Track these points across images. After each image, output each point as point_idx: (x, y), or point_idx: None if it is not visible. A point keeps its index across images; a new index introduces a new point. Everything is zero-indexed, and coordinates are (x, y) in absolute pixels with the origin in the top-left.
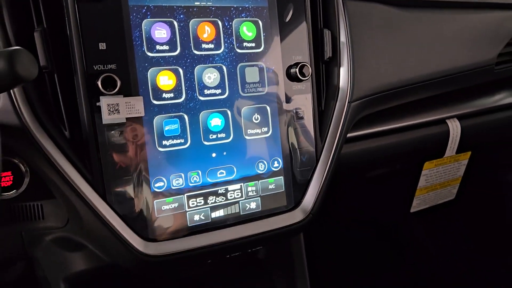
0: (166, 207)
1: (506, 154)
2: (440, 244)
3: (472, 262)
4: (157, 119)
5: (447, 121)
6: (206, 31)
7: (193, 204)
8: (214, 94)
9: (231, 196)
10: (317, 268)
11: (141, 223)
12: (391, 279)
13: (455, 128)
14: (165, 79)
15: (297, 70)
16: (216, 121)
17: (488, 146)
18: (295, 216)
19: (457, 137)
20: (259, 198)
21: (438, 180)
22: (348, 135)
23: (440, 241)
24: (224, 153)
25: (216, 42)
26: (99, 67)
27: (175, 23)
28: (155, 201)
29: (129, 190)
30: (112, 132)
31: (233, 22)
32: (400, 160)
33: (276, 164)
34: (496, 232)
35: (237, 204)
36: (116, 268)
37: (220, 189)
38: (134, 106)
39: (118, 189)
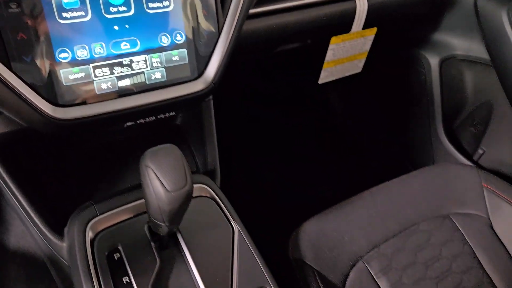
0: (73, 76)
1: (410, 30)
2: (347, 109)
3: (377, 123)
4: None
5: None
6: None
7: (100, 74)
8: None
9: (136, 66)
10: (226, 138)
11: (49, 90)
12: (300, 149)
13: (362, 5)
14: None
15: None
16: None
17: (394, 22)
18: (198, 86)
19: (363, 13)
20: (163, 69)
21: (345, 54)
22: (255, 10)
23: (348, 107)
24: (127, 26)
25: None
26: None
27: None
28: (61, 71)
29: (34, 60)
30: (10, 4)
31: None
32: (308, 35)
33: (179, 37)
34: (398, 100)
35: (143, 74)
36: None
37: (125, 60)
38: None
39: (22, 59)
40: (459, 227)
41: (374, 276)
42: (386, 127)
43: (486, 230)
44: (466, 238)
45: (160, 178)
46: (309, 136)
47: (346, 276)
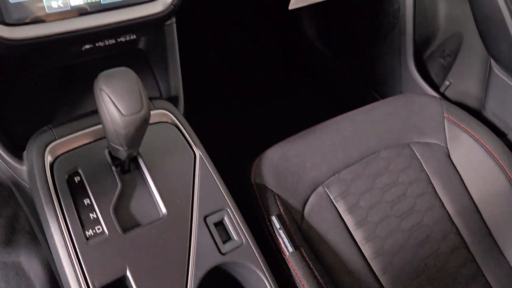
0: None
1: None
2: (317, 35)
3: (348, 51)
4: None
5: None
6: None
7: None
8: None
9: None
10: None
11: None
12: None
13: None
14: None
15: None
16: None
17: None
18: (157, 7)
19: None
20: None
21: None
22: None
23: (318, 33)
24: None
25: None
26: None
27: None
28: None
29: None
30: None
31: None
32: None
33: None
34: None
35: None
36: None
37: None
38: None
39: None
40: (417, 155)
41: (333, 200)
42: (356, 55)
43: (443, 158)
44: (423, 165)
45: (114, 101)
46: (277, 62)
47: (306, 200)
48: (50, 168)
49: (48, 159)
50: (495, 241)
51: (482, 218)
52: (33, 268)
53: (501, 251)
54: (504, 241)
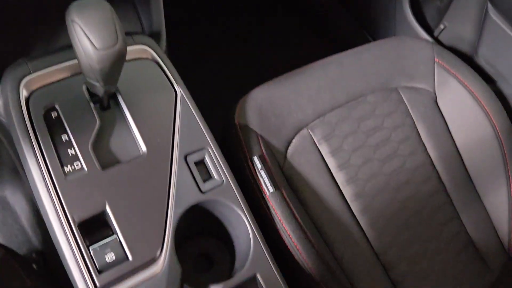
0: None
1: None
2: None
3: None
4: None
5: None
6: None
7: None
8: None
9: None
10: None
11: None
12: None
13: None
14: None
15: None
16: None
17: None
18: None
19: None
20: None
21: None
22: None
23: None
24: None
25: None
26: None
27: None
28: None
29: None
30: None
31: None
32: None
33: None
34: None
35: None
36: None
37: None
38: None
39: None
40: (404, 100)
41: (316, 142)
42: None
43: (430, 103)
44: (410, 110)
45: (87, 34)
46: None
47: (289, 142)
48: (26, 103)
49: (24, 93)
50: (474, 186)
51: (464, 164)
52: (18, 201)
53: (479, 196)
54: (482, 186)
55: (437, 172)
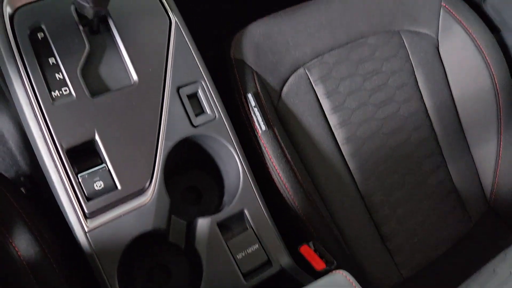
0: None
1: None
2: None
3: None
4: None
5: None
6: None
7: None
8: None
9: None
10: None
11: None
12: None
13: None
14: None
15: None
16: None
17: None
18: None
19: None
20: None
21: None
22: None
23: None
24: None
25: None
26: None
27: None
28: None
29: None
30: None
31: None
32: None
33: None
34: None
35: None
36: None
37: None
38: None
39: None
40: (405, 44)
41: (313, 83)
42: None
43: (431, 50)
44: (410, 56)
45: None
46: None
47: (285, 80)
48: (10, 21)
49: (7, 10)
50: (464, 137)
51: (457, 114)
52: (5, 125)
53: (468, 147)
54: (473, 137)
55: (430, 120)
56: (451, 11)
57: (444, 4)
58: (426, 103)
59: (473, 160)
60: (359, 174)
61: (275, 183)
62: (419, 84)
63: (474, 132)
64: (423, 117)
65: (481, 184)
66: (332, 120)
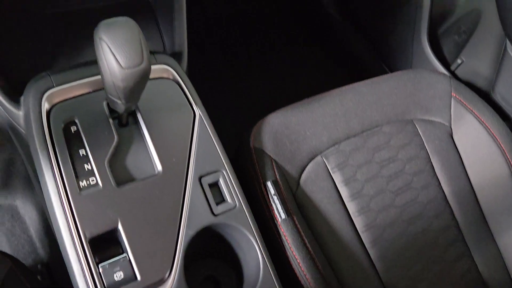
0: None
1: None
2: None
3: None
4: None
5: None
6: None
7: None
8: None
9: None
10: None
11: None
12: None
13: None
14: None
15: None
16: None
17: None
18: None
19: None
20: None
21: None
22: None
23: None
24: None
25: None
26: None
27: None
28: None
29: None
30: None
31: None
32: None
33: None
34: None
35: None
36: None
37: None
38: None
39: None
40: (419, 132)
41: (330, 171)
42: (369, 25)
43: (445, 137)
44: (424, 143)
45: (114, 52)
46: (288, 27)
47: (303, 168)
48: (46, 116)
49: (45, 106)
50: (487, 224)
51: (477, 201)
52: (28, 212)
53: (492, 235)
54: (496, 225)
55: (450, 207)
56: (462, 100)
57: (454, 94)
58: (444, 190)
59: (498, 248)
60: (381, 264)
61: (295, 272)
62: (436, 171)
63: (497, 219)
64: (443, 203)
65: (509, 274)
66: (351, 207)
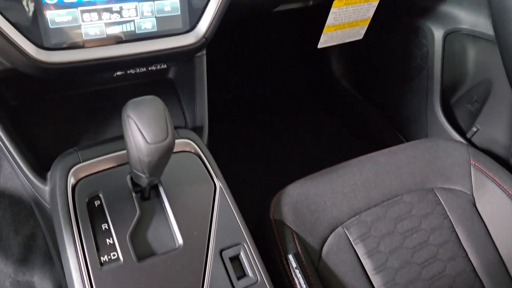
0: (59, 19)
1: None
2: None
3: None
4: None
5: None
6: None
7: (88, 19)
8: None
9: (126, 14)
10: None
11: (34, 31)
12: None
13: None
14: None
15: None
16: None
17: None
18: (189, 39)
19: None
20: (154, 19)
21: (347, 20)
22: None
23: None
24: None
25: None
26: None
27: None
28: (47, 12)
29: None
30: None
31: None
32: None
33: None
34: (398, 71)
35: (132, 23)
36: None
37: (115, 7)
38: None
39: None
40: (441, 201)
41: (352, 242)
42: (382, 96)
43: (468, 206)
44: (447, 212)
45: (140, 129)
46: (303, 100)
47: (325, 240)
48: (72, 190)
49: (71, 181)
50: None
51: (509, 274)
52: None
53: None
54: None
55: (480, 280)
56: (482, 168)
57: (473, 162)
58: (472, 262)
59: None
60: None
61: None
62: (462, 241)
63: None
64: (472, 276)
65: None
66: (376, 281)
